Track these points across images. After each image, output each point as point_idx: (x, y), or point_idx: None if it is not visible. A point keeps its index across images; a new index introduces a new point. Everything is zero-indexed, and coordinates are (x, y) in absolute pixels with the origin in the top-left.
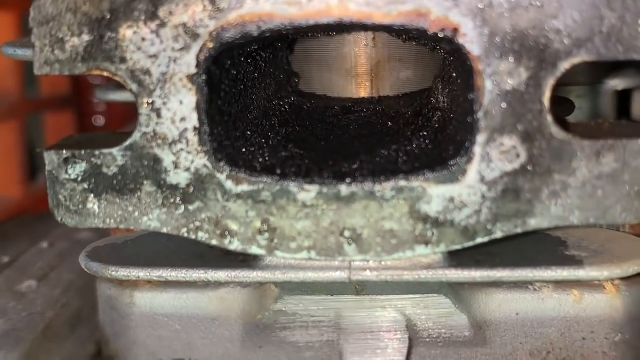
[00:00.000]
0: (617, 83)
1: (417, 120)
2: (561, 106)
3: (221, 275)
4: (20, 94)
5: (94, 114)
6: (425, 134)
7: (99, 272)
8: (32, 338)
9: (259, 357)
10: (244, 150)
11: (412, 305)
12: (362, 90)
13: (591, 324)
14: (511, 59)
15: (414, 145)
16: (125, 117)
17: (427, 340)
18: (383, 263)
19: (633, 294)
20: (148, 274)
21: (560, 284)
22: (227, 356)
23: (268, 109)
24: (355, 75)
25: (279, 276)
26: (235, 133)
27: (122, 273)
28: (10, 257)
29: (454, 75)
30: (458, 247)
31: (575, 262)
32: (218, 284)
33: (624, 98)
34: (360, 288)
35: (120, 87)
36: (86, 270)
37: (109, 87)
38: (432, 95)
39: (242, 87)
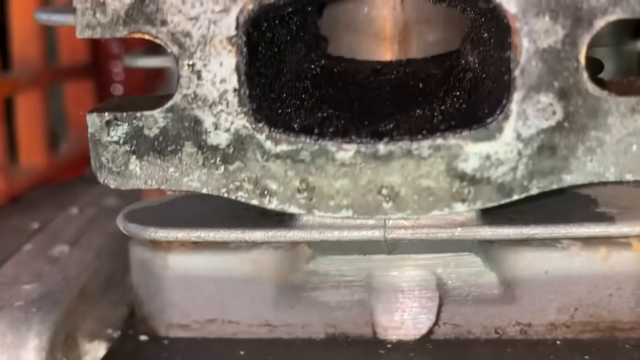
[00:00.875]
0: None
1: (448, 80)
2: (590, 65)
3: (258, 235)
4: (42, 63)
5: (113, 82)
6: (458, 93)
7: (137, 233)
8: (68, 300)
9: (290, 316)
10: (280, 111)
11: (442, 264)
12: (390, 53)
13: (618, 281)
14: (547, 17)
15: (448, 105)
16: (144, 86)
17: (457, 298)
18: (418, 221)
19: None
20: (187, 235)
21: (588, 242)
22: (259, 316)
23: (300, 72)
24: (383, 39)
25: (315, 235)
26: (271, 95)
27: (161, 234)
28: (40, 223)
29: (485, 35)
30: (494, 204)
31: (607, 218)
32: (251, 246)
33: None
34: (392, 247)
35: (146, 53)
36: (124, 231)
37: (136, 53)
38: (462, 57)
39: (276, 49)
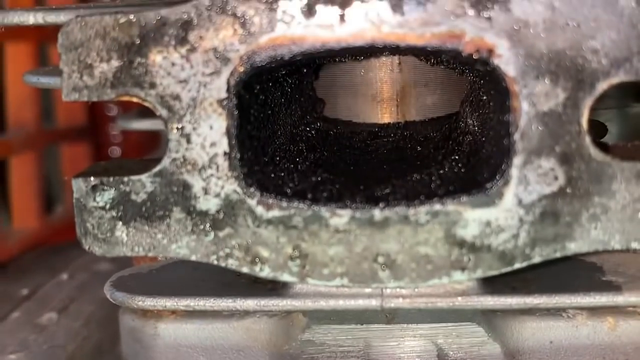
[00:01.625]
0: None
1: (446, 144)
2: (593, 129)
3: (250, 303)
4: (37, 125)
5: (111, 145)
6: (457, 157)
7: (124, 302)
8: None
9: None
10: (273, 175)
11: (443, 334)
12: (388, 116)
13: (626, 352)
14: (548, 80)
15: (446, 169)
16: (141, 147)
17: None
18: (416, 290)
19: None
20: (175, 304)
21: (594, 311)
22: None
23: (295, 134)
24: (381, 101)
25: (309, 304)
26: (264, 158)
27: (149, 303)
28: (29, 289)
29: (484, 98)
30: (495, 272)
31: (613, 287)
32: (243, 314)
33: None
34: (391, 316)
35: (140, 115)
36: (112, 300)
37: (130, 115)
38: (461, 119)
39: (269, 112)
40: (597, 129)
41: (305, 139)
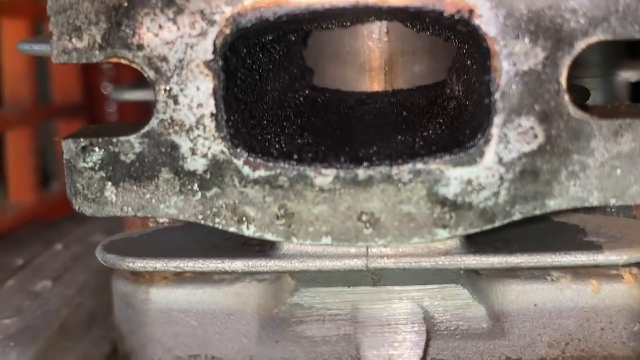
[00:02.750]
0: (630, 75)
1: (432, 109)
2: (576, 94)
3: (238, 264)
4: (33, 100)
5: (106, 121)
6: (441, 120)
7: (115, 263)
8: (47, 335)
9: (275, 352)
10: (260, 137)
11: (429, 297)
12: (376, 84)
13: (609, 314)
14: (527, 39)
15: (430, 131)
16: None
17: (445, 332)
18: (400, 250)
19: None
20: (165, 265)
21: (578, 274)
22: (243, 352)
23: (283, 100)
24: (369, 70)
25: (296, 264)
26: (251, 121)
27: (139, 264)
28: (24, 259)
29: (469, 62)
30: (477, 229)
31: (594, 247)
32: (234, 278)
33: (637, 90)
34: (377, 278)
35: (133, 86)
36: (102, 262)
37: (123, 86)
38: (447, 86)
39: (257, 76)
40: (580, 94)
41: (293, 105)
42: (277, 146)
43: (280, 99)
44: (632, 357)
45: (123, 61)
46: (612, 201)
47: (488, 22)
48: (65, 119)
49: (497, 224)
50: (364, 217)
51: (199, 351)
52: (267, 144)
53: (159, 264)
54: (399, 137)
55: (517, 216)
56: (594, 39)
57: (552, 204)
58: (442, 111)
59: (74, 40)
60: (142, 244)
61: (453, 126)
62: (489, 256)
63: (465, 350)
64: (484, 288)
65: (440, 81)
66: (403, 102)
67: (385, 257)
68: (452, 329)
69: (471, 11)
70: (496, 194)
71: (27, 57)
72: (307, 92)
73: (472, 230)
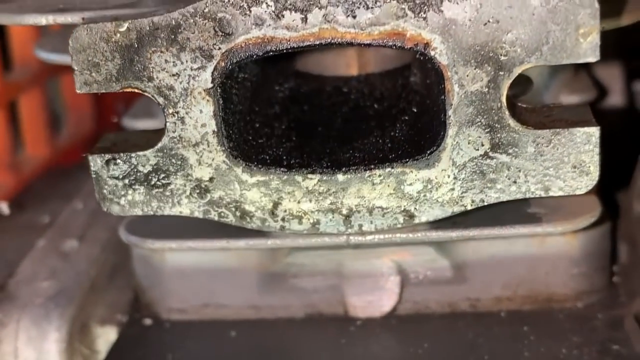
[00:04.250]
0: None
1: (399, 102)
2: (519, 86)
3: (241, 244)
4: (40, 62)
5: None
6: (406, 118)
7: (137, 244)
8: (81, 294)
9: (273, 300)
10: (254, 142)
11: (401, 254)
12: (351, 68)
13: (553, 261)
14: (474, 66)
15: (397, 131)
16: None
17: (415, 281)
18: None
19: (587, 235)
20: (179, 245)
21: None
22: (246, 300)
23: (271, 96)
24: (345, 56)
25: (289, 243)
26: (246, 126)
27: (157, 245)
28: (50, 216)
29: (428, 65)
30: (437, 218)
31: (535, 219)
32: None
33: None
34: (357, 247)
35: (144, 116)
36: (127, 242)
37: (135, 114)
38: (412, 74)
39: (249, 84)
40: (522, 86)
41: (280, 100)
42: (269, 151)
43: (268, 95)
44: (571, 295)
45: (136, 90)
46: (551, 193)
47: (441, 53)
48: (70, 73)
49: (454, 213)
50: (344, 211)
51: (209, 301)
52: (260, 149)
53: (174, 244)
54: (371, 138)
55: (469, 207)
56: (529, 65)
57: (496, 197)
58: (408, 106)
59: (93, 74)
60: (158, 223)
61: (416, 127)
62: (449, 231)
63: (433, 294)
64: (448, 246)
65: (407, 65)
66: (374, 93)
67: (362, 235)
68: (421, 278)
69: (427, 44)
70: (451, 190)
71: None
72: (291, 82)
73: (433, 219)
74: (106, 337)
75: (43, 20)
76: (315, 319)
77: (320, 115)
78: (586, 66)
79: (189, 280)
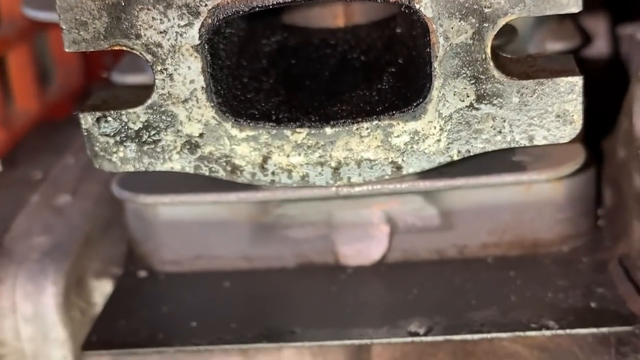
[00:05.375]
0: None
1: (385, 54)
2: (505, 35)
3: (232, 197)
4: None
5: None
6: (393, 70)
7: (130, 199)
8: (76, 249)
9: (265, 250)
10: (243, 98)
11: (390, 204)
12: (338, 20)
13: (538, 207)
14: (458, 19)
15: (384, 84)
16: None
17: (404, 229)
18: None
19: (572, 181)
20: (172, 199)
21: None
22: (239, 251)
23: (258, 50)
24: (331, 7)
25: (279, 195)
26: (234, 82)
27: (150, 200)
28: (42, 171)
29: (414, 18)
30: (424, 169)
31: (521, 167)
32: None
33: None
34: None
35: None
36: (119, 198)
37: (123, 69)
38: (398, 25)
39: (236, 39)
40: (508, 35)
41: (267, 54)
42: (258, 106)
43: (255, 49)
44: (557, 239)
45: (125, 48)
46: (536, 142)
47: (426, 6)
48: (57, 29)
49: (441, 163)
50: (333, 164)
51: (202, 252)
52: (249, 104)
53: (167, 199)
54: (358, 91)
55: (455, 157)
56: (513, 16)
57: (482, 147)
58: (394, 58)
59: (81, 32)
60: (150, 178)
61: (402, 79)
62: (437, 180)
63: (421, 241)
64: (435, 194)
65: (393, 16)
66: (361, 45)
67: (351, 187)
68: (409, 226)
69: None
70: (438, 141)
71: None
72: (278, 36)
73: (420, 170)
74: (102, 289)
75: None
76: (306, 268)
77: (308, 68)
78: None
79: (182, 233)
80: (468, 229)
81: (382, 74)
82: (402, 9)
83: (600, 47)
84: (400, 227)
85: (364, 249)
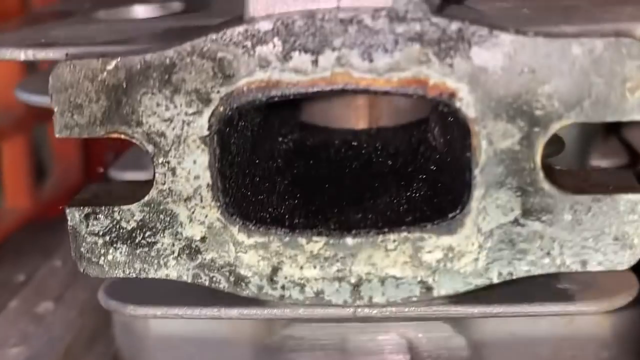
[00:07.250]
0: None
1: (415, 159)
2: (551, 146)
3: (233, 313)
4: (25, 107)
5: None
6: (424, 177)
7: (118, 309)
8: None
9: None
10: (253, 199)
11: (413, 330)
12: (361, 121)
13: (581, 343)
14: (505, 121)
15: (414, 191)
16: None
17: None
18: None
19: (620, 316)
20: (165, 312)
21: None
22: None
23: (273, 148)
24: (355, 107)
25: (288, 313)
26: (245, 180)
27: (140, 312)
28: (26, 274)
29: (450, 119)
30: (458, 292)
31: (567, 296)
32: None
33: None
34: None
35: (133, 167)
36: (105, 307)
37: (124, 166)
38: (429, 130)
39: (249, 133)
40: (555, 146)
41: (283, 153)
42: (269, 209)
43: (271, 147)
44: None
45: (123, 136)
46: (589, 268)
47: (468, 105)
48: None
49: (478, 286)
50: (352, 280)
51: None
52: (260, 206)
53: (159, 312)
54: (385, 197)
55: (495, 280)
56: (567, 121)
57: (527, 270)
58: (425, 163)
59: (75, 116)
60: (141, 286)
61: (435, 187)
62: (470, 307)
63: None
64: (464, 322)
65: (423, 120)
66: (388, 148)
67: (372, 308)
68: (434, 357)
69: (452, 94)
70: (476, 260)
71: (17, 64)
72: (295, 134)
73: (453, 292)
74: None
75: (22, 55)
76: None
77: (328, 170)
78: (617, 129)
79: (175, 350)
80: None
81: (411, 180)
82: (438, 109)
83: None
84: (423, 358)
85: None
